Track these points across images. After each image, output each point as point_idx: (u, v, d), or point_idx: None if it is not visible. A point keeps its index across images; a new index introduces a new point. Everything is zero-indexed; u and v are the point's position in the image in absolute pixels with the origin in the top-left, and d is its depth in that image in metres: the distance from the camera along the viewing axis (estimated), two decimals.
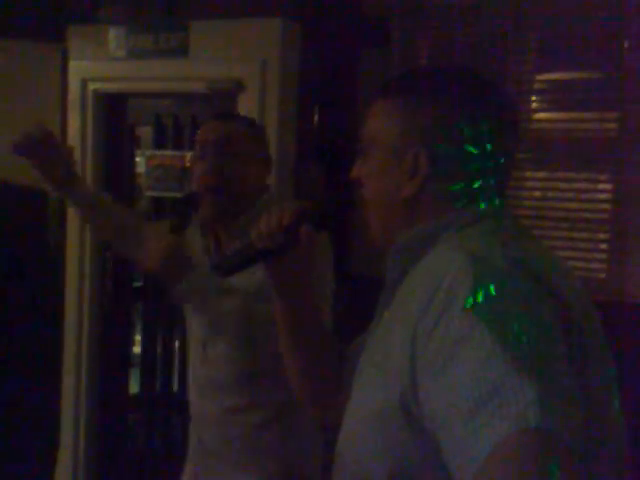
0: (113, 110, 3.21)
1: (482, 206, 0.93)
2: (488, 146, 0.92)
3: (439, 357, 0.74)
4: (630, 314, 2.57)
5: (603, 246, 2.86)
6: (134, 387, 3.36)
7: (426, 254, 0.90)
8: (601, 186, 2.88)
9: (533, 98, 2.80)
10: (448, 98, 0.93)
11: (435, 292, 0.79)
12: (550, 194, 2.77)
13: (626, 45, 2.72)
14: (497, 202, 0.95)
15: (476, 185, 0.93)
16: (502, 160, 0.94)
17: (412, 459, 0.79)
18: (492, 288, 0.75)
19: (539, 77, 2.73)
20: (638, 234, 2.72)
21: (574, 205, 2.82)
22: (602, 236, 2.87)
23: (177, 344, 3.29)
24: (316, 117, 2.90)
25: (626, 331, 2.60)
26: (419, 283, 0.85)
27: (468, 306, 0.74)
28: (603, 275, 2.83)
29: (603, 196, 2.87)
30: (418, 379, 0.78)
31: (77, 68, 3.16)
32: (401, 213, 0.95)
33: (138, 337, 3.46)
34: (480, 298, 0.74)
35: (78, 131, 3.18)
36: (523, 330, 0.71)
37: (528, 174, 2.84)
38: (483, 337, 0.71)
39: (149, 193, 3.20)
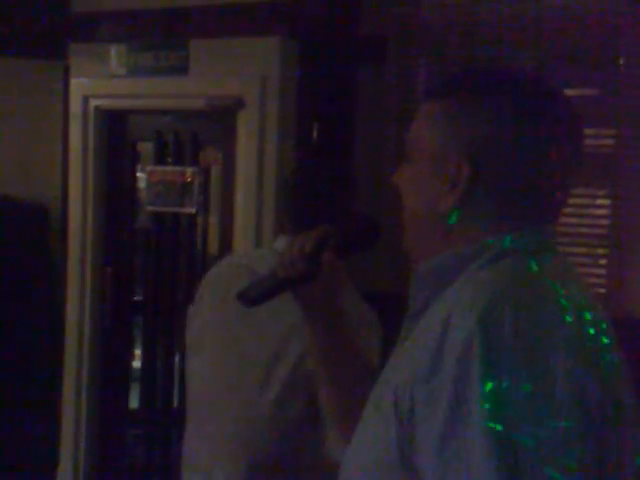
0: (114, 126, 3.24)
1: (524, 235, 0.84)
2: (541, 164, 0.84)
3: (436, 438, 0.73)
4: (630, 330, 2.58)
5: (602, 261, 2.87)
6: (134, 402, 3.36)
7: (452, 283, 0.83)
8: (599, 201, 2.90)
9: None
10: (500, 105, 0.84)
11: (438, 353, 0.75)
12: None
13: (622, 62, 2.75)
14: (545, 230, 0.86)
15: (522, 207, 0.84)
16: (556, 181, 0.85)
17: None
18: (501, 373, 0.71)
19: None
20: (636, 249, 2.73)
21: (573, 220, 2.83)
22: (601, 251, 2.88)
23: (177, 358, 3.29)
24: (315, 134, 2.93)
25: (626, 347, 2.60)
26: (430, 330, 0.79)
27: (475, 398, 0.71)
28: (602, 290, 2.84)
29: (601, 211, 2.88)
30: (416, 436, 0.76)
31: (79, 85, 3.19)
32: (437, 228, 0.87)
33: (138, 351, 3.47)
34: (488, 389, 0.70)
35: (80, 147, 3.21)
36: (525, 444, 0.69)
37: None
38: (481, 447, 0.70)
39: (150, 208, 3.22)
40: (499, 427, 0.69)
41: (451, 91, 0.89)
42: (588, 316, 0.80)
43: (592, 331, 0.79)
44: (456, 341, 0.74)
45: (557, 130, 0.85)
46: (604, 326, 0.84)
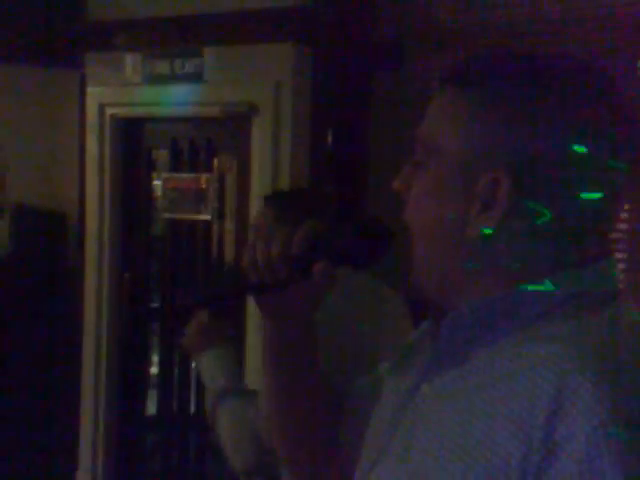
0: (130, 134, 3.26)
1: (582, 276, 0.64)
2: (602, 184, 0.64)
3: None
4: None
5: (620, 266, 2.85)
6: (152, 408, 3.38)
7: (491, 338, 0.65)
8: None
9: None
10: (558, 103, 0.63)
11: (530, 428, 0.58)
12: None
13: (639, 65, 2.73)
14: (606, 263, 0.66)
15: (580, 236, 0.64)
16: (614, 206, 0.66)
17: None
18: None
19: None
20: None
21: None
22: (619, 256, 2.86)
23: (194, 364, 3.30)
24: (330, 139, 2.93)
25: None
26: (498, 398, 0.61)
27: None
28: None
29: (619, 215, 2.86)
30: None
31: (95, 94, 3.21)
32: (461, 257, 0.66)
33: (155, 358, 3.48)
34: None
35: (96, 155, 3.23)
36: None
37: None
38: None
39: (166, 215, 3.23)
40: None
41: (485, 78, 0.66)
42: None
43: None
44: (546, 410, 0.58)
45: (620, 140, 0.65)
46: None
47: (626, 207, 2.84)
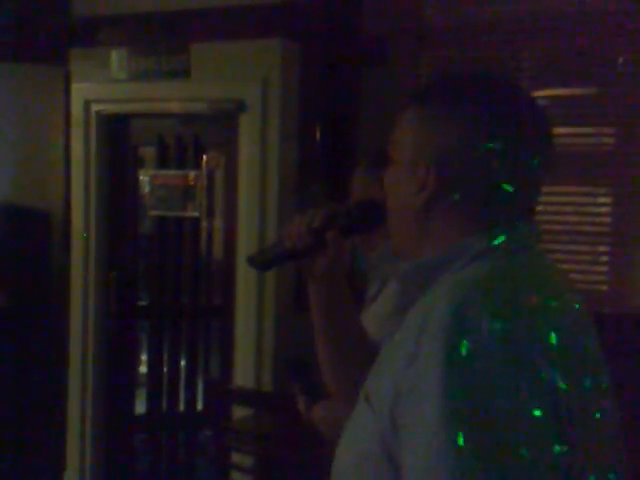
0: (116, 131, 3.24)
1: (498, 236, 0.88)
2: (508, 169, 0.88)
3: (406, 417, 0.78)
4: (632, 326, 2.59)
5: (604, 259, 2.89)
6: (140, 407, 3.36)
7: (434, 282, 0.88)
8: (601, 199, 2.91)
9: None
10: (465, 112, 0.88)
11: (417, 343, 0.79)
12: (550, 208, 2.79)
13: (621, 60, 2.76)
14: (520, 228, 0.90)
15: (495, 209, 0.89)
16: (526, 183, 0.89)
17: None
18: (465, 356, 0.75)
19: (537, 93, 2.76)
20: (638, 246, 2.74)
21: (574, 219, 2.84)
22: (603, 249, 2.89)
23: (183, 363, 3.29)
24: (318, 135, 2.93)
25: (628, 343, 2.61)
26: (412, 325, 0.83)
27: (436, 371, 0.76)
28: (605, 287, 2.85)
29: (603, 209, 2.89)
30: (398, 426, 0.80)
31: (80, 90, 3.18)
32: (414, 226, 0.93)
33: (144, 357, 3.46)
34: (450, 365, 0.75)
35: (82, 152, 3.20)
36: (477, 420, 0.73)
37: None
38: (433, 416, 0.74)
39: (153, 212, 3.21)
40: (459, 400, 0.74)
41: (425, 97, 0.94)
42: (559, 308, 0.84)
43: (563, 325, 0.82)
44: (433, 331, 0.78)
45: (525, 135, 0.89)
46: (581, 319, 0.88)
47: (608, 201, 2.87)
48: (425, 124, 0.90)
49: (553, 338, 0.79)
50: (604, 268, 2.85)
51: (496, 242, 0.88)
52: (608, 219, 2.88)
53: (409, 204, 0.92)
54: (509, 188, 0.88)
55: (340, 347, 1.17)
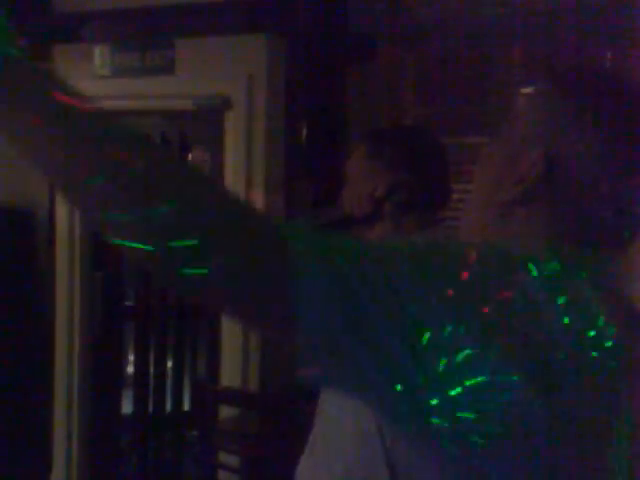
0: None
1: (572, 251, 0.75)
2: (617, 186, 0.75)
3: None
4: None
5: None
6: (127, 407, 3.33)
7: None
8: None
9: None
10: (602, 114, 0.76)
11: None
12: None
13: (609, 55, 2.74)
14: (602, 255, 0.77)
15: (584, 224, 0.76)
16: (626, 206, 0.76)
17: None
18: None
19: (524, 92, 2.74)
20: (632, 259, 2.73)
21: None
22: None
23: (170, 364, 3.26)
24: (304, 132, 2.90)
25: None
26: None
27: None
28: None
29: None
30: None
31: None
32: (492, 218, 0.79)
33: (131, 357, 3.43)
34: None
35: None
36: None
37: None
38: None
39: None
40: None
41: (561, 85, 0.80)
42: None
43: None
44: None
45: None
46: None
47: None
48: (549, 111, 0.77)
49: None
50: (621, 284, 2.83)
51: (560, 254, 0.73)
52: None
53: (498, 191, 0.77)
54: (617, 207, 0.75)
55: None
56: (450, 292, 0.63)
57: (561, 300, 0.71)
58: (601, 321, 0.74)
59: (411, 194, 1.03)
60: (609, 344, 0.73)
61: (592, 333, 0.72)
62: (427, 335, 0.62)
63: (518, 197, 0.76)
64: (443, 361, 0.62)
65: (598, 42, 2.69)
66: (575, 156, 0.75)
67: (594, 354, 0.71)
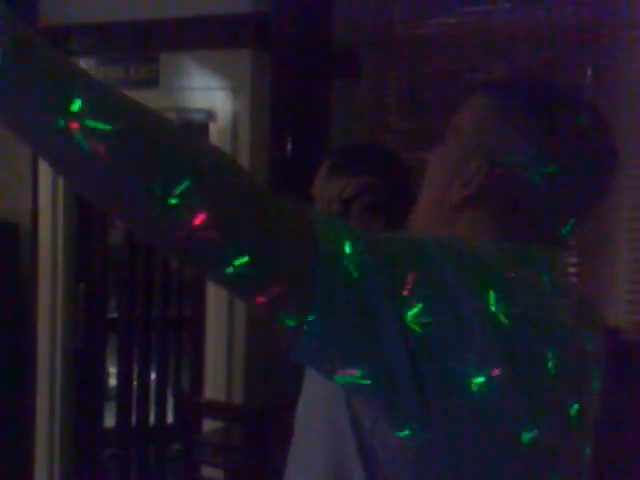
0: None
1: (521, 249, 0.80)
2: (560, 193, 0.80)
3: None
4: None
5: (572, 269, 2.91)
6: (109, 421, 3.31)
7: None
8: None
9: None
10: (541, 116, 0.80)
11: None
12: None
13: (589, 73, 2.79)
14: (548, 250, 0.82)
15: (523, 223, 0.81)
16: (571, 211, 0.82)
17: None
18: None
19: None
20: (605, 257, 2.77)
21: None
22: (569, 260, 2.92)
23: (153, 376, 3.26)
24: (289, 146, 2.92)
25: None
26: None
27: None
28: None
29: None
30: None
31: None
32: (441, 217, 0.85)
33: (113, 369, 3.42)
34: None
35: None
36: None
37: None
38: None
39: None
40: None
41: (504, 89, 0.86)
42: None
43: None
44: None
45: (592, 162, 0.82)
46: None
47: None
48: (493, 116, 0.82)
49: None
50: (572, 279, 2.86)
51: (522, 254, 0.79)
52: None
53: (446, 194, 0.83)
54: (555, 209, 0.80)
55: None
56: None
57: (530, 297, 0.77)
58: (563, 316, 0.80)
59: (377, 196, 1.11)
60: (568, 337, 0.79)
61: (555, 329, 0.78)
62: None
63: (464, 200, 0.82)
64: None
65: (578, 59, 2.74)
66: (514, 161, 0.80)
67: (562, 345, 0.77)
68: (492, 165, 0.80)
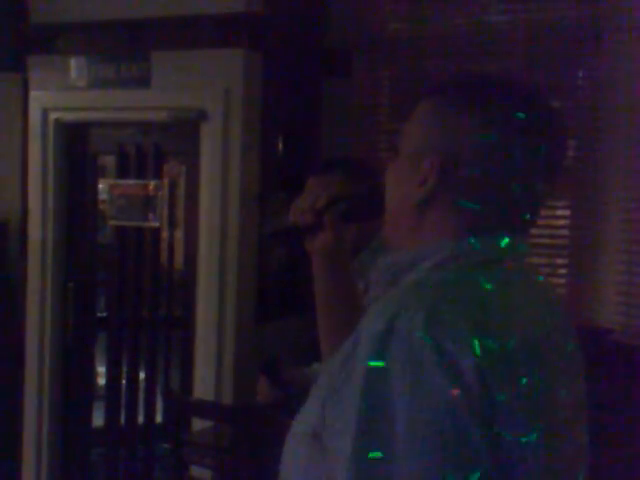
0: (75, 140, 3.18)
1: (479, 243, 0.84)
2: (515, 177, 0.84)
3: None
4: (588, 339, 2.62)
5: (562, 271, 2.92)
6: (98, 420, 3.30)
7: (398, 282, 0.87)
8: (559, 212, 2.95)
9: None
10: (481, 110, 0.84)
11: (354, 344, 0.80)
12: None
13: (581, 75, 2.80)
14: (508, 239, 0.86)
15: (487, 216, 0.85)
16: (528, 196, 0.86)
17: None
18: (390, 361, 0.75)
19: None
20: (595, 259, 2.78)
21: (533, 231, 2.86)
22: (560, 261, 2.93)
23: (142, 376, 3.24)
24: (280, 146, 2.92)
25: (586, 355, 2.64)
26: (368, 321, 0.81)
27: (362, 365, 0.76)
28: (563, 299, 2.88)
29: (561, 222, 2.93)
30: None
31: (38, 98, 3.13)
32: (408, 221, 0.90)
33: (102, 369, 3.40)
34: (374, 366, 0.75)
35: (39, 161, 3.14)
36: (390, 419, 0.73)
37: None
38: (353, 409, 0.75)
39: (113, 222, 3.17)
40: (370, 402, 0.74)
41: (440, 91, 0.90)
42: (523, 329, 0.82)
43: (528, 352, 0.80)
44: (366, 336, 0.78)
45: (539, 146, 0.85)
46: (557, 342, 0.87)
47: (566, 214, 2.91)
48: (436, 117, 0.87)
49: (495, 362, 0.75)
50: (562, 280, 2.88)
51: (471, 250, 0.84)
52: (566, 232, 2.92)
53: (407, 197, 0.89)
54: (511, 195, 0.84)
55: (338, 318, 1.15)
56: None
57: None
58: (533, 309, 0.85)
59: (349, 205, 1.14)
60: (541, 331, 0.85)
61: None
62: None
63: (424, 200, 0.87)
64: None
65: (569, 58, 2.75)
66: (465, 155, 0.84)
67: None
68: (442, 159, 0.85)
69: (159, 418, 3.24)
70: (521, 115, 0.85)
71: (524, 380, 0.77)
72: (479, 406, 0.73)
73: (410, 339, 0.74)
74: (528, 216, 0.88)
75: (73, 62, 3.05)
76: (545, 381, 0.81)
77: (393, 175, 0.93)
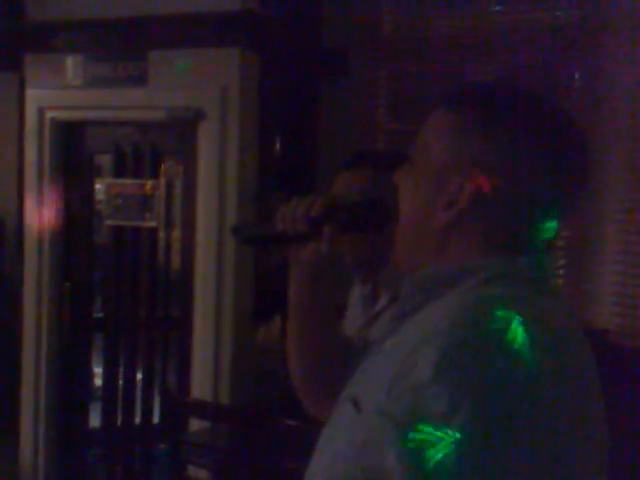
0: (71, 138, 3.17)
1: (518, 262, 0.82)
2: (546, 196, 0.82)
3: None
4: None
5: (560, 272, 2.92)
6: (95, 421, 3.29)
7: (443, 295, 0.83)
8: None
9: None
10: (518, 134, 0.81)
11: (417, 351, 0.74)
12: None
13: (576, 77, 2.80)
14: (540, 259, 0.84)
15: (520, 236, 0.83)
16: (559, 211, 0.84)
17: None
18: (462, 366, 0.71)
19: None
20: (593, 261, 2.78)
21: None
22: (559, 263, 2.92)
23: (139, 376, 3.23)
24: (278, 145, 2.91)
25: None
26: (413, 333, 0.78)
27: (422, 380, 0.71)
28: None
29: None
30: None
31: (34, 97, 3.12)
32: (429, 242, 0.85)
33: (99, 369, 3.39)
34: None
35: (35, 160, 3.13)
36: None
37: None
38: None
39: (109, 222, 3.16)
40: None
41: (465, 102, 0.85)
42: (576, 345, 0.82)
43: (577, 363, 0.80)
44: (436, 341, 0.73)
45: (568, 168, 0.83)
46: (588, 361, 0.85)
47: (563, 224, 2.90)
48: (462, 133, 0.82)
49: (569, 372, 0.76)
50: (560, 282, 2.88)
51: (518, 267, 0.82)
52: (565, 233, 2.92)
53: (431, 218, 0.84)
54: (540, 214, 0.82)
55: (315, 349, 1.07)
56: None
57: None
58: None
59: (350, 217, 1.01)
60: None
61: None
62: None
63: (450, 221, 0.82)
64: None
65: (567, 60, 2.75)
66: (497, 176, 0.81)
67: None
68: (475, 181, 0.81)
69: (156, 418, 3.23)
70: (550, 132, 0.82)
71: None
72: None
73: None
74: (552, 234, 0.85)
75: (69, 61, 3.03)
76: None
77: (410, 191, 0.88)
